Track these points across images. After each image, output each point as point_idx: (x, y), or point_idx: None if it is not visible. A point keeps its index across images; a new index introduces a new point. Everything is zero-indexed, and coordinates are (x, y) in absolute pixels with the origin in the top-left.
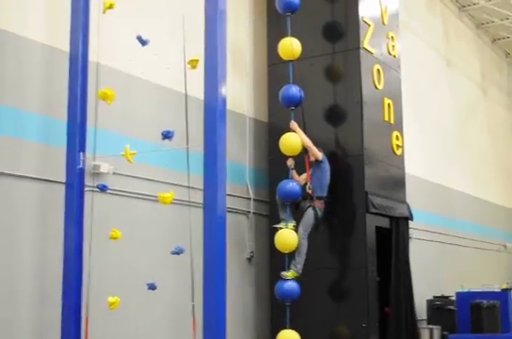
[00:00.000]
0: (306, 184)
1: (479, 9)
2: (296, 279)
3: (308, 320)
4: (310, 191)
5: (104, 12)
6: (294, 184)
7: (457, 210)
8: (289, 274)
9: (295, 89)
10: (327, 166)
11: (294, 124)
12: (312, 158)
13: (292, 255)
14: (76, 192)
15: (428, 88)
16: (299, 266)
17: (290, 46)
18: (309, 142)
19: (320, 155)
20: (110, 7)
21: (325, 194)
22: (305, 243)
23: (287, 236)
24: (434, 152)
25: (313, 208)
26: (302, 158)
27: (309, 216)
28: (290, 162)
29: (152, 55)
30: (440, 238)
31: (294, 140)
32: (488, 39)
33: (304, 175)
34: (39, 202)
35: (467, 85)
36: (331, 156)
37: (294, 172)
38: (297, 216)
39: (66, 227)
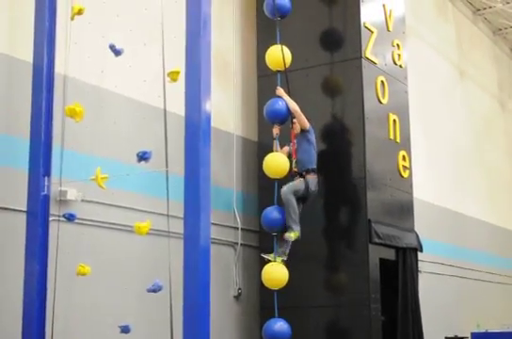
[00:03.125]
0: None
1: (496, 13)
2: (287, 318)
3: None
4: (295, 169)
5: (72, 19)
6: (278, 212)
7: (473, 240)
8: (292, 235)
9: (281, 104)
10: (313, 137)
11: (280, 90)
12: (296, 130)
13: (286, 217)
14: (40, 222)
15: (439, 101)
16: (295, 227)
17: (278, 55)
18: (297, 108)
19: (307, 124)
20: (79, 12)
21: (314, 166)
22: (291, 198)
23: (276, 271)
24: (446, 174)
25: (304, 179)
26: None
27: (298, 182)
28: (276, 131)
29: (127, 66)
30: (453, 272)
31: (280, 161)
32: (506, 46)
33: (286, 148)
34: None
35: (483, 98)
36: (329, 180)
37: (276, 143)
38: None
39: (27, 262)
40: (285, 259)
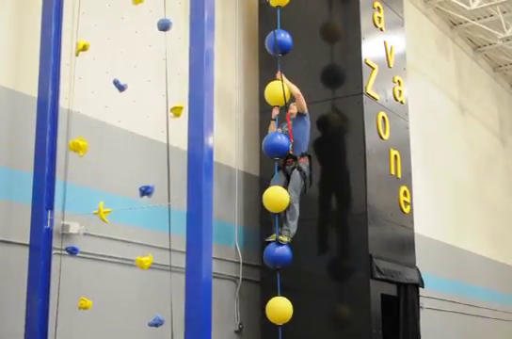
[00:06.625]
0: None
1: (496, 50)
2: None
3: None
4: (291, 152)
5: (77, 54)
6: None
7: (474, 275)
8: (285, 239)
9: (280, 138)
10: (309, 121)
11: (280, 74)
12: (293, 111)
13: (282, 219)
14: (42, 255)
15: (440, 137)
16: (293, 231)
17: (277, 91)
18: (298, 91)
19: (306, 108)
20: (84, 48)
21: (306, 149)
22: (297, 207)
23: (280, 306)
24: (447, 209)
25: (298, 168)
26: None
27: (296, 178)
28: (276, 111)
29: (131, 101)
30: (454, 308)
31: (280, 195)
32: (507, 82)
33: (279, 130)
34: None
35: (484, 134)
36: (331, 215)
37: (273, 124)
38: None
39: (29, 296)
40: (291, 237)
